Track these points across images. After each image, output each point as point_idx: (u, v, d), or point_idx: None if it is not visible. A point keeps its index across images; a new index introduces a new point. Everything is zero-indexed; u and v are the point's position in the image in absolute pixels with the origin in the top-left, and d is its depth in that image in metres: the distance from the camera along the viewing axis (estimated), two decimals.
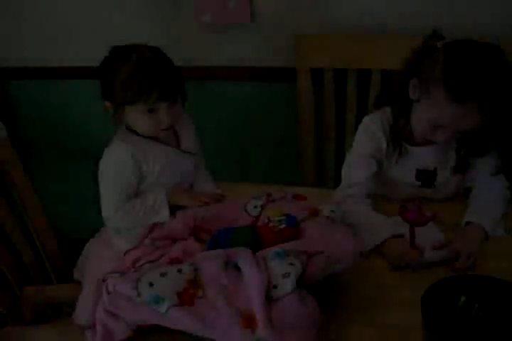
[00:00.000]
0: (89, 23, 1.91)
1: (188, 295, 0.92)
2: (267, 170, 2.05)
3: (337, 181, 1.81)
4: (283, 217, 1.13)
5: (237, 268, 0.97)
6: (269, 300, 0.92)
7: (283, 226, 1.11)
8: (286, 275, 0.94)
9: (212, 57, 1.85)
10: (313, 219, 1.16)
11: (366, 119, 1.40)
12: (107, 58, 1.30)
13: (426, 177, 1.37)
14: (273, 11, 1.71)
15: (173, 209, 1.31)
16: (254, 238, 1.08)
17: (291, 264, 0.96)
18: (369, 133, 1.37)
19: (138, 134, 1.33)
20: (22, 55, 2.05)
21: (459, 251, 1.17)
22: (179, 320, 0.90)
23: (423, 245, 1.19)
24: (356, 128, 1.45)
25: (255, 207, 1.23)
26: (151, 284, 0.92)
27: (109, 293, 0.95)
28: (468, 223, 1.27)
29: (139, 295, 0.91)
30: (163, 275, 0.94)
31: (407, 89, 1.27)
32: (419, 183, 1.39)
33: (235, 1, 1.69)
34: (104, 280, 1.01)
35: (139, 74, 1.22)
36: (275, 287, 0.93)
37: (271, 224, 1.12)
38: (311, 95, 1.74)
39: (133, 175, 1.31)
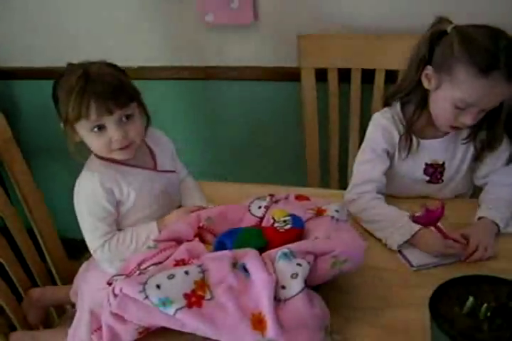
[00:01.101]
0: (90, 23, 1.91)
1: (196, 297, 0.91)
2: (270, 171, 2.05)
3: (341, 182, 1.82)
4: (288, 218, 1.13)
5: (245, 270, 0.97)
6: (278, 301, 0.92)
7: (288, 226, 1.10)
8: (294, 275, 0.94)
9: (214, 57, 1.85)
10: (318, 219, 1.15)
11: (377, 115, 1.41)
12: (58, 78, 1.22)
13: (434, 171, 1.38)
14: (276, 11, 1.71)
15: None
16: (261, 239, 1.08)
17: (299, 265, 0.96)
18: (381, 128, 1.38)
19: (105, 159, 1.26)
20: (24, 55, 2.05)
21: (475, 243, 1.18)
22: (187, 322, 0.90)
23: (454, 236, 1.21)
24: (360, 128, 1.45)
25: (259, 207, 1.22)
26: (158, 286, 0.91)
27: (115, 295, 0.94)
28: (480, 218, 1.27)
29: (146, 297, 0.90)
30: (170, 277, 0.93)
31: (420, 80, 1.27)
32: (427, 178, 1.39)
33: (237, 1, 1.69)
34: (110, 284, 1.00)
35: (76, 88, 1.15)
36: (283, 288, 0.93)
37: (276, 225, 1.12)
38: (315, 95, 1.74)
39: (108, 203, 1.25)
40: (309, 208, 1.18)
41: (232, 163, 2.10)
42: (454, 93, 1.21)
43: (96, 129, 1.19)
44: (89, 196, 1.25)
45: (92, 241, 1.28)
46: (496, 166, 1.36)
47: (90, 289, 1.32)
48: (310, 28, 1.69)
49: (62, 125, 1.23)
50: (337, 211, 1.16)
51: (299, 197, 1.26)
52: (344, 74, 1.68)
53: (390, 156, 1.39)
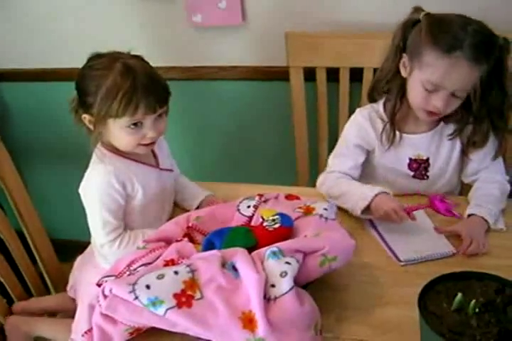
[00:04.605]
0: (79, 24, 1.91)
1: (185, 297, 0.91)
2: (259, 170, 2.05)
3: None
4: (277, 216, 1.13)
5: (234, 269, 0.97)
6: (268, 299, 0.92)
7: (277, 225, 1.11)
8: (283, 274, 0.94)
9: (203, 57, 1.85)
10: (307, 218, 1.15)
11: (356, 111, 1.46)
12: (86, 67, 1.22)
13: (419, 167, 1.40)
14: (264, 11, 1.71)
15: None
16: (250, 238, 1.08)
17: (288, 263, 0.96)
18: (355, 124, 1.43)
19: (116, 153, 1.28)
20: (13, 57, 2.04)
21: (469, 237, 1.20)
22: (178, 322, 0.90)
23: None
24: None
25: (248, 207, 1.22)
26: (148, 287, 0.91)
27: (105, 296, 0.94)
28: (469, 216, 1.28)
29: (136, 298, 0.90)
30: (159, 277, 0.93)
31: (398, 70, 1.32)
32: (412, 173, 1.41)
33: (225, 1, 1.69)
34: (100, 285, 1.00)
35: (125, 85, 1.15)
36: (273, 286, 0.93)
37: (265, 224, 1.12)
38: (304, 94, 1.74)
39: (120, 196, 1.26)
40: (298, 207, 1.19)
41: (222, 162, 2.10)
42: (422, 75, 1.25)
43: (133, 126, 1.20)
44: (103, 188, 1.25)
45: (101, 235, 1.28)
46: (484, 165, 1.38)
47: (86, 283, 1.33)
48: (298, 28, 1.69)
49: (87, 117, 1.22)
50: (325, 209, 1.16)
51: (289, 197, 1.27)
52: (333, 73, 1.69)
53: (368, 152, 1.43)
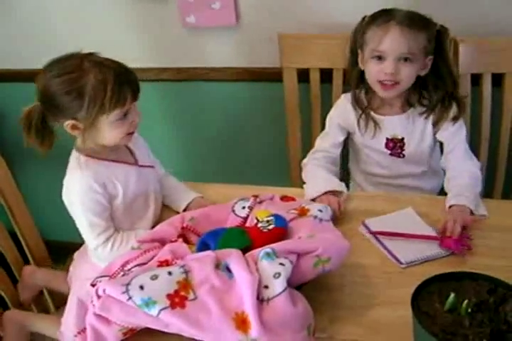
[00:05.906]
0: (72, 24, 1.90)
1: (179, 298, 0.91)
2: (253, 171, 2.05)
3: None
4: (271, 218, 1.13)
5: (228, 270, 0.97)
6: (261, 300, 0.92)
7: (272, 226, 1.11)
8: (276, 275, 0.94)
9: (197, 58, 1.85)
10: (301, 219, 1.16)
11: (341, 96, 1.59)
12: (55, 76, 1.17)
13: (395, 145, 1.53)
14: (257, 12, 1.71)
15: None
16: (244, 239, 1.08)
17: (281, 264, 0.96)
18: (339, 106, 1.58)
19: (92, 157, 1.27)
20: (6, 57, 2.03)
21: (451, 222, 1.24)
22: (171, 322, 0.90)
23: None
24: None
25: (243, 207, 1.23)
26: (141, 287, 0.92)
27: (99, 296, 0.94)
28: (450, 207, 1.32)
29: (129, 298, 0.91)
30: (153, 278, 0.93)
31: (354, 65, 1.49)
32: (389, 151, 1.55)
33: (219, 2, 1.69)
34: (93, 285, 1.00)
35: (108, 78, 1.15)
36: (266, 287, 0.93)
37: (259, 225, 1.12)
38: (297, 95, 1.74)
39: (103, 197, 1.26)
40: (292, 208, 1.19)
41: (215, 163, 2.10)
42: (368, 51, 1.40)
43: (122, 116, 1.21)
44: (84, 193, 1.24)
45: (92, 239, 1.28)
46: (450, 147, 1.48)
47: (79, 278, 1.33)
48: (292, 29, 1.69)
49: (73, 123, 1.20)
50: (320, 211, 1.17)
51: (284, 198, 1.27)
52: (326, 74, 1.69)
53: (349, 132, 1.57)
